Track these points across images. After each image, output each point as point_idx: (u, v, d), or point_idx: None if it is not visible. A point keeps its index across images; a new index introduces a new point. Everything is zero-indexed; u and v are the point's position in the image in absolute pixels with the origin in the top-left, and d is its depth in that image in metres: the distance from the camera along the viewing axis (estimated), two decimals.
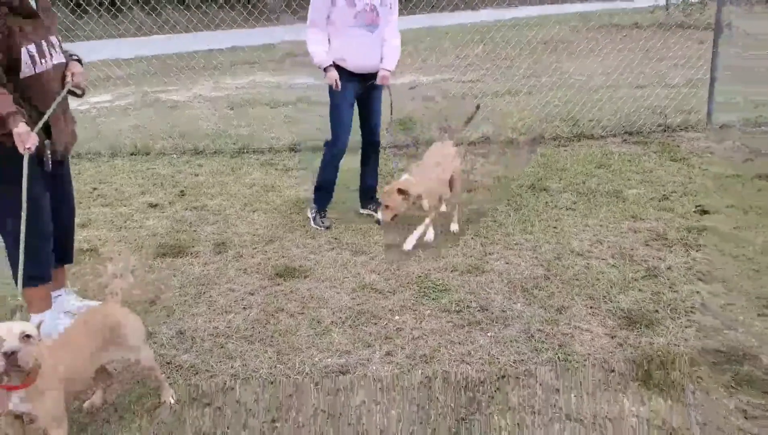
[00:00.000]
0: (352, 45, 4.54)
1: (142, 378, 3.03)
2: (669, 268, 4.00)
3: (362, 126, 4.94)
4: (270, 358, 3.22)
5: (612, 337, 3.28)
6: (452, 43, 15.12)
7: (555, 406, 2.78)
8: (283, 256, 4.38)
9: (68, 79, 3.23)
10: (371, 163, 5.11)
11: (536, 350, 3.20)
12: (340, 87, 4.59)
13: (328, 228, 4.85)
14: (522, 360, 3.12)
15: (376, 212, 4.74)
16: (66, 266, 3.72)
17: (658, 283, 3.83)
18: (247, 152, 7.14)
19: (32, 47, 3.03)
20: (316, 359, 3.19)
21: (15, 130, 2.88)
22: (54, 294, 3.53)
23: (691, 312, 3.50)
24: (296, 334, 3.44)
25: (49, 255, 3.34)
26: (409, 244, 4.40)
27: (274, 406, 2.84)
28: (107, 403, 2.90)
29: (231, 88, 11.38)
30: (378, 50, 4.62)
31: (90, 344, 2.62)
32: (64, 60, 3.27)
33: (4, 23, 2.91)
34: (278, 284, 3.97)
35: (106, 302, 2.85)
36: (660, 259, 4.14)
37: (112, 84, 11.09)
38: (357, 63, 4.60)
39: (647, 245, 4.35)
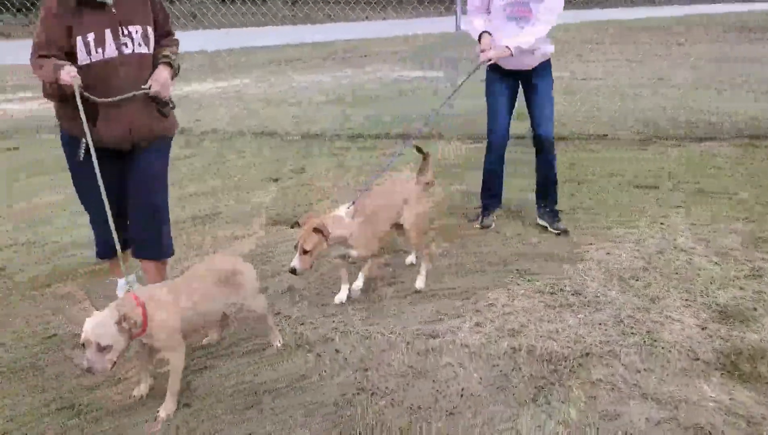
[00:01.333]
0: (502, 40, 4.32)
1: (255, 322, 3.39)
2: None
3: (530, 120, 4.59)
4: (366, 318, 3.51)
5: (702, 329, 3.29)
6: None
7: (634, 385, 2.86)
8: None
9: (148, 85, 3.22)
10: (540, 160, 4.66)
11: (623, 334, 3.27)
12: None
13: (486, 227, 4.69)
14: (608, 341, 3.21)
15: (549, 226, 4.62)
16: (153, 261, 3.55)
17: (762, 283, 3.75)
18: (362, 137, 7.50)
19: (90, 36, 3.07)
20: (409, 323, 3.43)
21: (61, 77, 2.97)
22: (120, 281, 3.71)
23: None
24: (392, 299, 3.70)
25: (103, 236, 3.40)
26: (338, 298, 3.75)
27: (367, 357, 3.12)
28: (223, 338, 3.30)
29: (353, 76, 11.87)
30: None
31: (208, 287, 2.99)
32: (146, 51, 3.24)
33: (65, 11, 3.04)
34: (380, 257, 4.24)
35: (225, 252, 3.24)
36: (766, 260, 4.03)
37: (240, 69, 11.88)
38: (511, 60, 4.36)
39: (755, 247, 4.24)
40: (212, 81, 12.17)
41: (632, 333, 3.28)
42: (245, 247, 4.45)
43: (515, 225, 4.78)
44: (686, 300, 3.58)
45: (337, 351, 3.20)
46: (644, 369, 2.98)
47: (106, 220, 3.09)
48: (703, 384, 2.85)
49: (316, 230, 3.34)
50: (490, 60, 4.31)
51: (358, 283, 3.85)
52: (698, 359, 3.03)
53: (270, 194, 5.59)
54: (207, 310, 2.99)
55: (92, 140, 3.09)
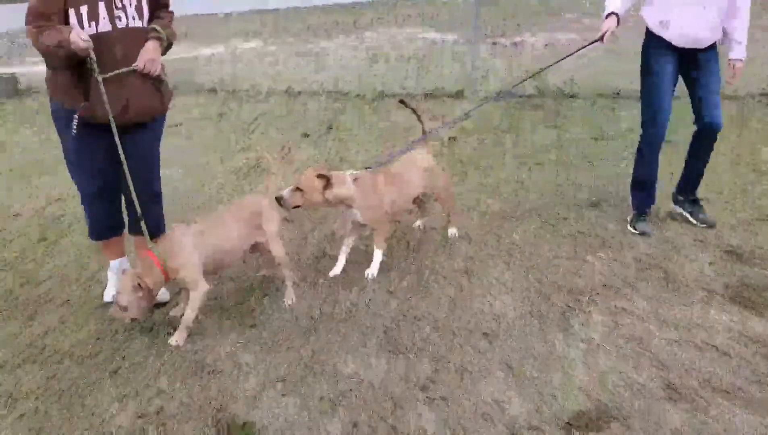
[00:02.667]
0: (677, 7, 3.74)
1: (276, 268, 3.58)
2: None
3: (692, 106, 3.96)
4: (407, 257, 3.85)
5: (711, 264, 3.62)
6: None
7: (651, 312, 3.19)
8: None
9: (137, 63, 3.11)
10: (701, 151, 4.03)
11: (641, 270, 3.59)
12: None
13: (643, 234, 4.02)
14: (627, 277, 3.53)
15: (691, 216, 4.13)
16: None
17: None
18: (386, 96, 7.75)
19: (84, 8, 2.98)
20: (446, 262, 3.77)
21: (71, 39, 2.88)
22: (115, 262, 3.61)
23: None
24: (429, 243, 4.04)
25: (96, 214, 3.39)
26: (333, 272, 3.69)
27: (411, 290, 3.48)
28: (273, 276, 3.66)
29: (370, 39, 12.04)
30: (711, 20, 3.72)
31: (231, 226, 3.27)
32: (140, 25, 3.15)
33: None
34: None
35: (256, 193, 3.50)
36: None
37: (266, 33, 12.09)
38: (679, 31, 3.76)
39: None
40: (247, 41, 12.41)
41: (649, 269, 3.60)
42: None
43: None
44: (701, 241, 3.89)
45: (380, 283, 3.56)
46: (661, 299, 3.31)
47: (101, 198, 3.26)
48: (716, 312, 3.18)
49: (320, 176, 3.43)
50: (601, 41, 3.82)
51: (372, 270, 3.67)
52: (711, 291, 3.35)
53: (305, 150, 5.91)
54: (229, 247, 3.27)
55: (87, 115, 3.07)
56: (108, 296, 3.52)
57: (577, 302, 3.30)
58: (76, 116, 3.07)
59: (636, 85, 4.07)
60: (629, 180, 4.22)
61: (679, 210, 4.22)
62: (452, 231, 4.12)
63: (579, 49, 4.06)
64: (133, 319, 3.10)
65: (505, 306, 3.31)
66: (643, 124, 4.01)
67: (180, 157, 5.68)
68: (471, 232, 4.17)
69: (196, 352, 3.06)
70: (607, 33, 3.77)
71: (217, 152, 5.89)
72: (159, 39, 3.18)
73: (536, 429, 2.51)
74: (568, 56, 4.14)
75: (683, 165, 4.17)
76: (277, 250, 3.43)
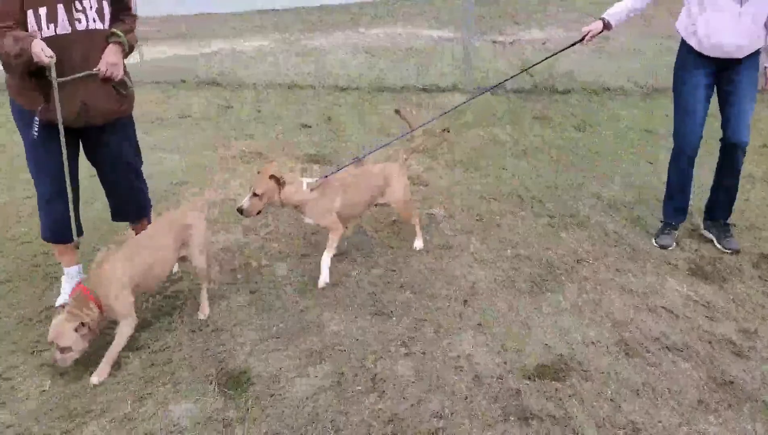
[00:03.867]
0: (704, 13, 3.56)
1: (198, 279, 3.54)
2: None
3: (723, 121, 3.78)
4: (389, 236, 4.16)
5: (678, 243, 3.94)
6: None
7: (615, 281, 3.51)
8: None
9: (98, 68, 3.13)
10: (724, 169, 3.86)
11: (611, 246, 3.91)
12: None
13: (662, 247, 3.90)
14: (594, 251, 3.85)
15: (717, 241, 3.92)
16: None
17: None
18: (381, 90, 8.05)
19: (42, 10, 2.98)
20: (425, 238, 4.08)
21: (33, 51, 2.90)
22: None
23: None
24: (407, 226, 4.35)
25: (52, 215, 3.36)
26: (322, 280, 3.62)
27: (394, 261, 3.82)
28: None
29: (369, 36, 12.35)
30: (745, 29, 3.48)
31: (167, 242, 3.21)
32: (101, 27, 3.15)
33: None
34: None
35: (186, 205, 3.53)
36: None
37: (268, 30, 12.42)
38: (706, 40, 3.58)
39: None
40: (247, 40, 12.72)
41: (617, 244, 3.92)
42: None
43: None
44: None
45: (367, 257, 3.88)
46: (625, 269, 3.62)
47: (59, 200, 3.22)
48: (672, 280, 3.50)
49: (272, 177, 3.47)
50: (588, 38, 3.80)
51: (324, 278, 3.60)
52: (669, 264, 3.67)
53: (304, 138, 6.21)
54: (159, 269, 3.20)
55: (45, 118, 3.11)
56: (59, 301, 3.49)
57: (548, 273, 3.62)
58: (36, 118, 3.13)
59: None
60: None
61: (708, 235, 4.01)
62: (417, 243, 3.99)
63: (563, 49, 4.04)
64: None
65: (479, 275, 3.63)
66: (674, 135, 3.89)
67: (181, 147, 5.99)
68: (452, 211, 4.48)
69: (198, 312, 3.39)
70: (588, 35, 3.76)
71: (218, 142, 6.20)
72: (120, 44, 3.20)
73: (501, 378, 2.83)
74: (554, 54, 4.15)
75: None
76: (200, 263, 3.39)
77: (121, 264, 3.03)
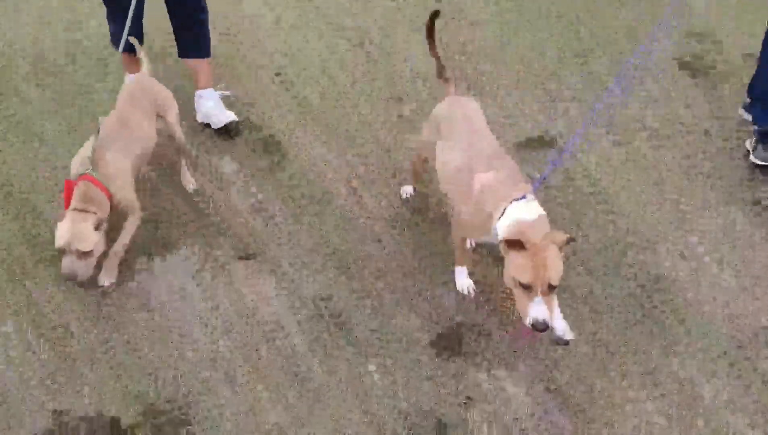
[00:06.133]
0: None
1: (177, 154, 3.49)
2: None
3: None
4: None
5: None
6: None
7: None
8: None
9: None
10: None
11: None
12: None
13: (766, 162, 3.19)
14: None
15: (753, 152, 3.25)
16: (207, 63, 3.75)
17: None
18: None
19: None
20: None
21: None
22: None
23: None
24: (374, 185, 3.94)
25: (122, 23, 3.33)
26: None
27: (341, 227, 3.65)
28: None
29: None
30: None
31: (146, 116, 3.01)
32: None
33: None
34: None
35: (140, 74, 3.26)
36: None
37: None
38: None
39: None
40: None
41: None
42: None
43: None
44: None
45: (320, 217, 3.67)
46: None
47: (126, 14, 3.20)
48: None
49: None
50: None
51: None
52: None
53: None
54: (151, 145, 3.04)
55: None
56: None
57: None
58: None
59: None
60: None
61: (747, 116, 3.36)
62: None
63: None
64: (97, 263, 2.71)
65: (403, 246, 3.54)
66: None
67: None
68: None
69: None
70: None
71: None
72: None
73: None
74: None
75: None
76: (179, 134, 3.24)
77: (121, 152, 2.80)
